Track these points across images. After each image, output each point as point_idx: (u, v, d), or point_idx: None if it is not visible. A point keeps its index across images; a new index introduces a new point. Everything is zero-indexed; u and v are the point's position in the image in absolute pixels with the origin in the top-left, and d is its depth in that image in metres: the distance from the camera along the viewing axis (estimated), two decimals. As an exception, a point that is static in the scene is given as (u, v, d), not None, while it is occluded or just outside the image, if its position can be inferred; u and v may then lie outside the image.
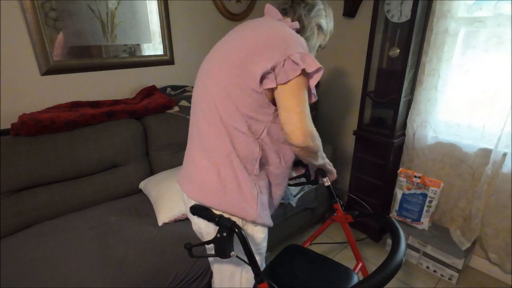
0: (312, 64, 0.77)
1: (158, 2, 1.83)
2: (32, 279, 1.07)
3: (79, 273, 1.10)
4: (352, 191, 2.08)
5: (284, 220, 1.75)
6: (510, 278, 1.68)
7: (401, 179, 1.81)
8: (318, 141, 0.88)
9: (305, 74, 0.78)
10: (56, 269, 1.11)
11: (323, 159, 1.02)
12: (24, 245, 1.23)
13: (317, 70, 0.79)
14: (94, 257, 1.17)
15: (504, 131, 1.48)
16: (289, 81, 0.76)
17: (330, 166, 1.11)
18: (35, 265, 1.13)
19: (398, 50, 1.69)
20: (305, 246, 1.29)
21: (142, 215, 1.45)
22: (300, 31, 0.91)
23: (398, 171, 1.82)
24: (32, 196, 1.37)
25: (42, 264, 1.13)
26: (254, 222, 0.87)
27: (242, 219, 0.86)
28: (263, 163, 0.88)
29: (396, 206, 1.87)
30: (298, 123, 0.78)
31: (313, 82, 0.81)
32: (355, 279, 1.07)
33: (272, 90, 0.80)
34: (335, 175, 1.15)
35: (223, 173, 0.83)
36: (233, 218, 0.83)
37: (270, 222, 0.93)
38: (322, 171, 1.13)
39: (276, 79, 0.77)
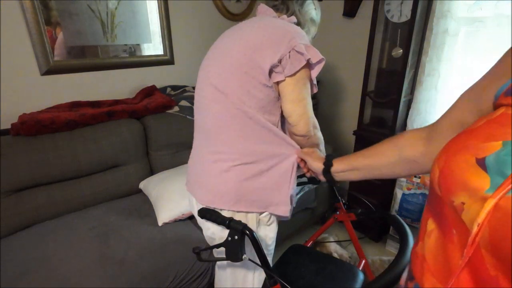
0: (315, 55, 0.79)
1: (158, 2, 1.83)
2: (32, 279, 1.07)
3: (79, 273, 1.10)
4: (352, 191, 2.08)
5: (284, 220, 1.75)
6: (510, 278, 1.68)
7: (401, 179, 1.81)
8: (320, 134, 0.90)
9: (308, 65, 0.80)
10: (56, 269, 1.11)
11: None
12: (24, 245, 1.23)
13: (320, 61, 0.81)
14: (94, 257, 1.17)
15: (504, 131, 1.48)
16: (295, 73, 0.78)
17: None
18: (35, 265, 1.13)
19: (401, 50, 1.69)
20: (307, 246, 1.29)
21: (142, 215, 1.45)
22: None
23: (398, 171, 1.82)
24: (32, 196, 1.37)
25: (42, 264, 1.13)
26: (283, 206, 0.88)
27: (272, 211, 0.88)
28: None
29: (396, 206, 1.87)
30: (303, 114, 0.81)
31: (314, 73, 0.83)
32: (361, 276, 1.08)
33: (278, 83, 0.81)
34: None
35: (245, 171, 0.84)
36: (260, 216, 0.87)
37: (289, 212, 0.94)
38: None
39: (283, 71, 0.78)
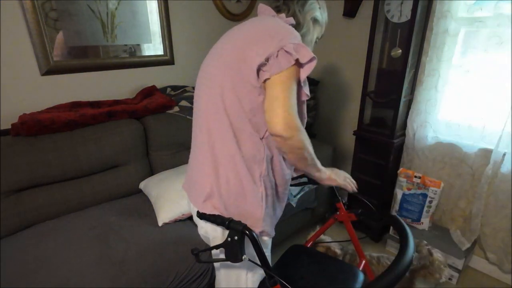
0: (306, 55, 0.76)
1: (158, 2, 1.83)
2: (32, 279, 1.07)
3: (79, 273, 1.10)
4: (352, 191, 2.08)
5: (284, 220, 1.75)
6: (510, 278, 1.68)
7: (401, 179, 1.81)
8: (303, 137, 0.80)
9: (298, 64, 0.78)
10: (56, 269, 1.11)
11: (318, 171, 0.94)
12: (24, 245, 1.23)
13: (310, 60, 0.78)
14: (94, 257, 1.17)
15: (504, 131, 1.48)
16: (282, 71, 0.75)
17: (339, 180, 1.06)
18: (35, 265, 1.13)
19: (400, 51, 1.69)
20: (308, 246, 1.29)
21: (142, 215, 1.45)
22: (295, 27, 0.90)
23: (398, 171, 1.82)
24: (32, 196, 1.37)
25: (42, 264, 1.13)
26: (256, 227, 0.87)
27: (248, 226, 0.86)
28: (269, 163, 0.87)
29: (396, 206, 1.87)
30: (279, 110, 0.75)
31: (304, 73, 0.79)
32: (361, 276, 1.07)
33: (265, 83, 0.79)
34: (353, 188, 1.11)
35: (226, 177, 0.84)
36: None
37: (272, 231, 0.93)
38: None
39: (270, 69, 0.76)
